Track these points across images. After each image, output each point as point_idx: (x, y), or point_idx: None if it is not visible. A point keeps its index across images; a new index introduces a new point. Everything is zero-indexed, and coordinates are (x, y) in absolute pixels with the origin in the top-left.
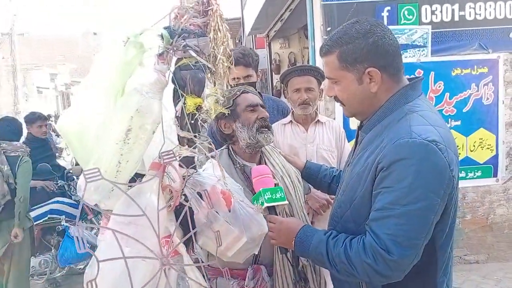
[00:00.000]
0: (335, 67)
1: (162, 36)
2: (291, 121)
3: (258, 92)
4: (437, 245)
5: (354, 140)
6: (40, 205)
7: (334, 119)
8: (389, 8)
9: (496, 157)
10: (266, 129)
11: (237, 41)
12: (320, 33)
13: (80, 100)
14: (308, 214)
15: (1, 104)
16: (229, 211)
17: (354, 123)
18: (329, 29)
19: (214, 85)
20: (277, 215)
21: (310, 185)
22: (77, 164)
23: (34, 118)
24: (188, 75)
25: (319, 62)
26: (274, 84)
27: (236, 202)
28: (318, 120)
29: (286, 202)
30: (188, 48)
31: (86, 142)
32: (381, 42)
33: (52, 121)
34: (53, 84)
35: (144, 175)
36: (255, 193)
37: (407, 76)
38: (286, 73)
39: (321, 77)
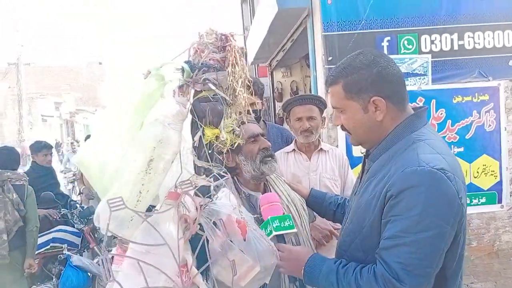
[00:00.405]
0: (340, 97)
1: (182, 70)
2: (294, 149)
3: (263, 121)
4: (447, 273)
5: (359, 167)
6: (43, 233)
7: (337, 146)
8: (389, 38)
9: (500, 183)
10: (270, 158)
11: None
12: (321, 62)
13: (100, 132)
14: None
15: (6, 132)
16: (244, 240)
17: (357, 151)
18: (330, 58)
19: (229, 117)
20: (285, 243)
21: (315, 213)
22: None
23: (40, 147)
24: (207, 107)
25: (321, 91)
26: (277, 111)
27: (250, 231)
28: (321, 148)
29: (295, 230)
30: (207, 81)
31: (106, 173)
32: (385, 72)
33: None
34: (58, 112)
35: (154, 206)
36: (264, 221)
37: (411, 105)
38: (288, 103)
39: (323, 105)
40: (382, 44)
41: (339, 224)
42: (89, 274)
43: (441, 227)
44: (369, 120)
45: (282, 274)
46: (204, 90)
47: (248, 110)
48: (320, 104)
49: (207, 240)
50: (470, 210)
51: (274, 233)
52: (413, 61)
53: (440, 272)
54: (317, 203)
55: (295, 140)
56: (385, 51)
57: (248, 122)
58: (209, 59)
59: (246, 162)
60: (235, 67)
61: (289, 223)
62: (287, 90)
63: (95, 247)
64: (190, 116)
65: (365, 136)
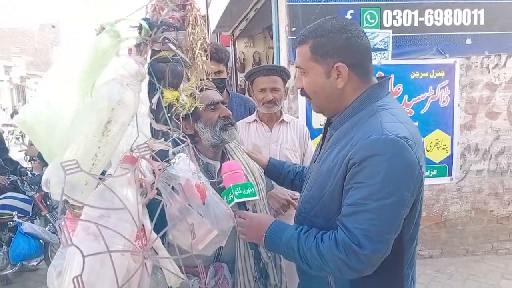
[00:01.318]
0: (306, 58)
1: (140, 27)
2: (255, 120)
3: (226, 90)
4: (404, 239)
5: (320, 136)
6: None
7: (298, 118)
8: (352, 11)
9: (451, 157)
10: (230, 126)
11: None
12: (284, 33)
13: (46, 92)
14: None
15: None
16: (203, 204)
17: (317, 122)
18: (293, 29)
19: (188, 80)
20: (247, 210)
21: (273, 183)
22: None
23: None
24: (167, 68)
25: (284, 62)
26: (239, 82)
27: (209, 196)
28: (283, 119)
29: (257, 197)
30: (167, 40)
31: (55, 134)
32: (353, 40)
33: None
34: (8, 76)
35: (104, 171)
36: (225, 189)
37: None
38: (251, 72)
39: (286, 76)
40: (345, 16)
41: (297, 194)
42: (41, 241)
43: (402, 194)
44: (330, 86)
45: (237, 240)
46: (163, 50)
47: (207, 76)
48: (284, 75)
49: (165, 205)
50: None
51: (236, 200)
52: (375, 35)
53: (398, 237)
54: (276, 172)
55: (257, 110)
56: None
57: (207, 89)
58: (169, 18)
59: (205, 129)
60: (195, 27)
61: (251, 190)
62: (250, 61)
63: (47, 215)
64: (147, 77)
65: (325, 102)
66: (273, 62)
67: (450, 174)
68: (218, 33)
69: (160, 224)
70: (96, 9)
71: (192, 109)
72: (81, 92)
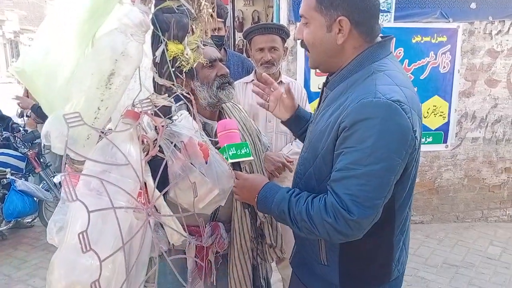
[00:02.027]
0: (310, 6)
1: None
2: (253, 80)
3: (224, 48)
4: (396, 205)
5: (318, 99)
6: None
7: (296, 80)
8: None
9: (447, 124)
10: (228, 85)
11: None
12: None
13: (45, 41)
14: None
15: None
16: (206, 163)
17: (314, 85)
18: None
19: (193, 33)
20: (242, 171)
21: (269, 144)
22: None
23: None
24: (172, 19)
25: (284, 21)
26: (236, 42)
27: (211, 155)
28: (281, 81)
29: (252, 158)
30: None
31: (55, 85)
32: None
33: None
34: (1, 31)
35: (108, 131)
36: (220, 148)
37: None
38: (249, 31)
39: (286, 35)
40: None
41: (292, 157)
42: (35, 199)
43: (392, 159)
44: (329, 40)
45: (234, 201)
46: (168, 0)
47: (213, 31)
48: (283, 34)
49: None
50: None
51: (230, 160)
52: None
53: (389, 203)
54: (301, 122)
55: (255, 70)
56: None
57: (206, 45)
58: None
59: (202, 88)
60: None
61: (245, 150)
62: (249, 20)
63: (40, 172)
64: (150, 29)
65: (323, 57)
66: (272, 21)
67: (445, 141)
68: None
69: (161, 182)
70: None
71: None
72: (81, 41)
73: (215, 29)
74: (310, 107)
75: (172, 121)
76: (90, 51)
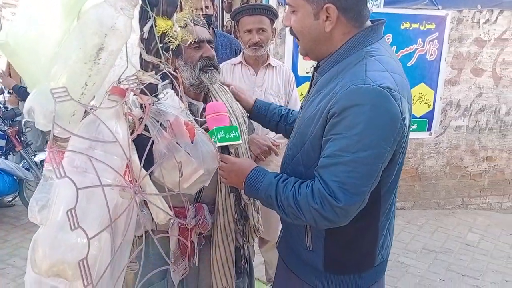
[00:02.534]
0: None
1: None
2: (241, 62)
3: (212, 27)
4: (382, 191)
5: (303, 86)
6: None
7: (284, 63)
8: None
9: (432, 112)
10: (211, 68)
11: None
12: None
13: (30, 11)
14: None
15: None
16: (192, 143)
17: (302, 69)
18: None
19: (181, 10)
20: (230, 154)
21: (255, 126)
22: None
23: None
24: None
25: (273, 2)
26: (225, 23)
27: (197, 134)
28: (269, 63)
29: (240, 141)
30: None
31: (40, 60)
32: None
33: None
34: None
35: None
36: (208, 130)
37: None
38: (237, 11)
39: (274, 16)
40: None
41: (279, 141)
42: (15, 178)
43: (381, 147)
44: (317, 28)
45: (218, 182)
46: None
47: (201, 10)
48: (271, 15)
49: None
50: None
51: (218, 144)
52: None
53: (375, 189)
54: (261, 114)
55: (243, 52)
56: None
57: (196, 24)
58: None
59: (185, 67)
60: None
61: (234, 134)
62: (237, 1)
63: (21, 151)
64: (139, 3)
65: (312, 45)
66: (261, 2)
67: (429, 129)
68: None
69: (146, 161)
70: None
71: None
72: (68, 13)
73: (203, 7)
74: (297, 91)
75: (158, 99)
76: (77, 24)
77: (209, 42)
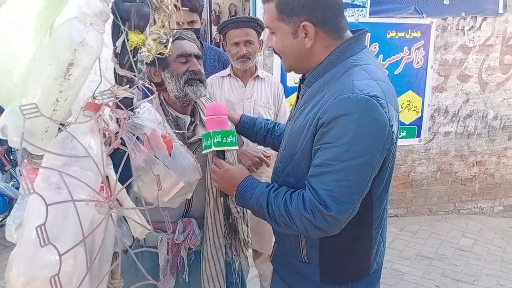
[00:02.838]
0: (273, 16)
1: None
2: (229, 74)
3: (200, 41)
4: (373, 198)
5: (293, 96)
6: None
7: (272, 74)
8: None
9: (420, 118)
10: (197, 82)
11: None
12: None
13: (2, 28)
14: None
15: None
16: (170, 155)
17: (291, 80)
18: None
19: (154, 23)
20: (224, 159)
21: (243, 140)
22: None
23: None
24: (133, 8)
25: (261, 15)
26: (213, 36)
27: (175, 147)
28: (257, 75)
29: (236, 147)
30: None
31: (12, 77)
32: None
33: None
34: None
35: (67, 122)
36: (206, 131)
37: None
38: (223, 25)
39: (261, 28)
40: None
41: (270, 152)
42: (5, 197)
43: (370, 154)
44: (298, 46)
45: (207, 196)
46: None
47: (179, 24)
48: (258, 27)
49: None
50: None
51: (213, 148)
52: None
53: (367, 197)
54: (248, 128)
55: (231, 65)
56: None
57: (185, 39)
58: None
59: (171, 80)
60: None
61: (231, 139)
62: (225, 13)
63: (10, 170)
64: (110, 18)
65: (295, 62)
66: (249, 14)
67: (419, 136)
68: None
69: (125, 176)
70: None
71: (161, 55)
72: (39, 31)
73: (190, 21)
74: (286, 102)
75: (134, 113)
76: (49, 40)
77: (197, 57)
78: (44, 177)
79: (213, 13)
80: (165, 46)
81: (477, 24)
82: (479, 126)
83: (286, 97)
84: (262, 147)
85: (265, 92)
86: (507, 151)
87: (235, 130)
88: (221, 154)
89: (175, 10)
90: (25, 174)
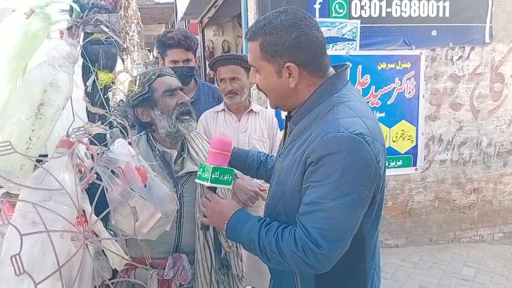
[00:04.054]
0: (257, 56)
1: (70, 10)
2: (224, 109)
3: (194, 78)
4: (364, 232)
5: (283, 131)
6: None
7: (266, 108)
8: (321, 0)
9: (415, 147)
10: (188, 117)
11: (169, 26)
12: (253, 21)
13: None
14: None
15: None
16: (145, 187)
17: (284, 112)
18: (256, 19)
19: (123, 62)
20: (215, 193)
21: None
22: None
23: None
24: (100, 50)
25: None
26: (207, 71)
27: (150, 178)
28: (251, 109)
29: (230, 187)
30: (99, 23)
31: None
32: (303, 39)
33: None
34: None
35: (42, 157)
36: (206, 162)
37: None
38: (212, 62)
39: (248, 64)
40: (314, 6)
41: (266, 185)
42: None
43: (359, 192)
44: (282, 85)
45: (196, 231)
46: (95, 33)
47: (182, 62)
48: (244, 63)
49: (106, 190)
50: (387, 172)
51: (208, 184)
52: (343, 25)
53: (358, 230)
54: (240, 161)
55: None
56: (317, 14)
57: (166, 75)
58: (100, 0)
59: (162, 117)
60: (127, 10)
61: (227, 178)
62: (219, 50)
63: None
64: (80, 61)
65: (280, 100)
66: (242, 51)
67: (415, 164)
68: (186, 21)
69: (102, 210)
70: None
71: (148, 95)
72: (11, 76)
73: (185, 60)
74: (281, 135)
75: (108, 148)
76: (20, 85)
77: (181, 89)
78: (21, 213)
79: (206, 49)
80: (149, 86)
81: (466, 54)
82: (474, 153)
83: (281, 130)
84: (258, 180)
85: (259, 126)
86: (503, 177)
87: (233, 169)
88: (213, 188)
89: (140, 48)
90: (1, 207)
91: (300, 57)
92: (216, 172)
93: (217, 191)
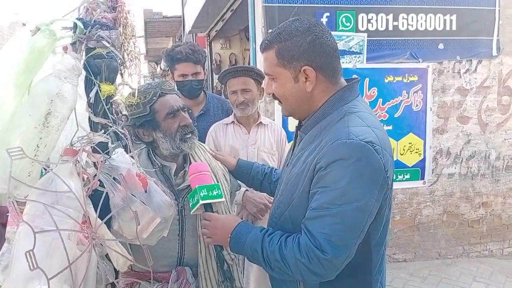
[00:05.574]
0: (273, 63)
1: (74, 27)
2: (233, 121)
3: (203, 91)
4: (372, 244)
5: (293, 141)
6: None
7: (274, 120)
8: (328, 14)
9: (423, 161)
10: (190, 135)
11: (177, 40)
12: (261, 35)
13: None
14: (247, 219)
15: None
16: (145, 192)
17: (292, 125)
18: (270, 31)
19: (122, 76)
20: (213, 212)
21: (240, 183)
22: None
23: None
24: (103, 63)
25: (260, 64)
26: (215, 84)
27: (150, 184)
28: (260, 122)
29: (223, 199)
30: (101, 38)
31: None
32: (318, 42)
33: None
34: None
35: (49, 163)
36: (192, 190)
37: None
38: (222, 75)
39: (259, 76)
40: (321, 19)
41: None
42: None
43: (366, 199)
44: (299, 90)
45: (198, 244)
46: (97, 48)
47: (191, 75)
48: (255, 75)
49: (108, 196)
50: (395, 186)
51: (201, 202)
52: (350, 39)
53: (364, 242)
54: (245, 173)
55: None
56: None
57: (166, 94)
58: (101, 17)
59: (164, 139)
60: (126, 27)
61: (217, 192)
62: (226, 63)
63: None
64: (83, 75)
65: (295, 106)
66: (249, 64)
67: (422, 178)
68: (194, 34)
69: (105, 215)
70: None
71: (150, 118)
72: (18, 91)
73: (194, 73)
74: (289, 147)
75: (110, 156)
76: (28, 96)
77: (183, 109)
78: (29, 217)
79: (214, 62)
80: (150, 107)
81: (473, 67)
82: (483, 166)
83: (288, 142)
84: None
85: (268, 138)
86: None
87: (219, 184)
88: (209, 208)
89: (138, 62)
90: (14, 207)
91: (316, 60)
92: (203, 190)
93: (216, 211)
